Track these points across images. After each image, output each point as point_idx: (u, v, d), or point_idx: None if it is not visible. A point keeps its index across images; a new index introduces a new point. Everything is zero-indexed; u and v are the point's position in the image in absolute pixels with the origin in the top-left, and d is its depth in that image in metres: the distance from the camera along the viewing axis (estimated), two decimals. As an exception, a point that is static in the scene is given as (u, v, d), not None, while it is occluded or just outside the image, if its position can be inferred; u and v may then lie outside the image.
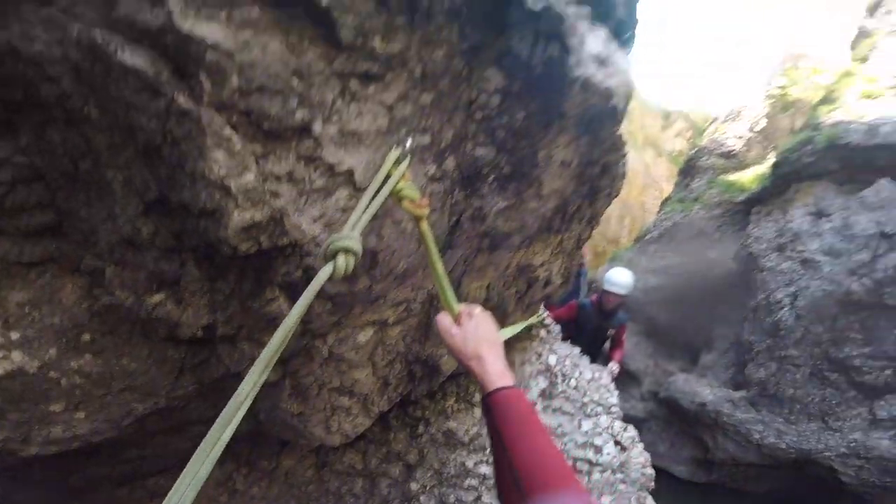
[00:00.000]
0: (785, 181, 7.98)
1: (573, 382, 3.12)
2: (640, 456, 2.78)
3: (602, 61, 1.50)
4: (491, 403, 0.84)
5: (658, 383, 8.89)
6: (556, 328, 3.63)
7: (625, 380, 9.25)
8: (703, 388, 7.61)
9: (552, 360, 3.24)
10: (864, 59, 9.03)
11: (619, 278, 4.72)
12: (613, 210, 16.40)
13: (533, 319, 3.10)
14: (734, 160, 9.89)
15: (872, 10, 9.79)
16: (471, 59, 1.43)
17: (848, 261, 6.60)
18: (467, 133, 1.48)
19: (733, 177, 9.63)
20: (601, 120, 1.72)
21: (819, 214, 7.45)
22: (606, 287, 4.76)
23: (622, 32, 2.58)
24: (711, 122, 11.68)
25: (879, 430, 5.94)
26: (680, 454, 8.10)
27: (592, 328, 4.81)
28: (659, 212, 11.95)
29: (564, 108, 1.48)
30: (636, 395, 9.29)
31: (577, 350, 3.47)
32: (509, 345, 3.21)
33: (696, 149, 10.84)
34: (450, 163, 1.44)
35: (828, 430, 6.32)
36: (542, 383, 3.10)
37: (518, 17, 1.45)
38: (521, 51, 1.40)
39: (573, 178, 1.82)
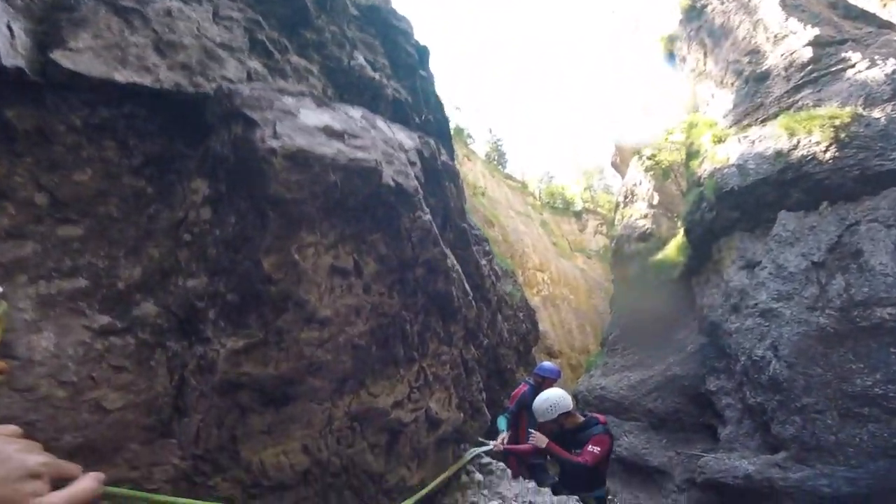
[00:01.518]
0: (703, 243, 8.13)
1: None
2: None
3: (338, 134, 1.24)
4: None
5: (689, 470, 7.90)
6: (500, 466, 3.05)
7: (655, 477, 8.43)
8: (738, 462, 6.79)
9: (496, 504, 2.68)
10: (695, 108, 9.96)
11: (538, 408, 4.05)
12: (571, 321, 16.13)
13: (455, 466, 2.53)
14: (652, 239, 10.18)
15: (670, 57, 10.98)
16: (162, 174, 1.12)
17: (802, 299, 6.37)
18: (178, 264, 1.09)
19: (660, 256, 9.82)
20: (391, 206, 1.41)
21: (750, 265, 7.46)
22: (538, 419, 4.11)
23: (411, 115, 2.46)
24: (616, 210, 12.21)
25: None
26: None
27: (563, 446, 4.12)
28: (611, 311, 11.90)
29: (273, 191, 1.13)
30: (673, 489, 8.16)
31: (531, 485, 2.92)
32: (431, 500, 2.54)
33: (614, 240, 11.11)
34: (146, 308, 1.03)
35: (906, 463, 5.34)
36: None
37: (214, 111, 1.20)
38: (218, 148, 1.11)
39: (386, 290, 1.43)
